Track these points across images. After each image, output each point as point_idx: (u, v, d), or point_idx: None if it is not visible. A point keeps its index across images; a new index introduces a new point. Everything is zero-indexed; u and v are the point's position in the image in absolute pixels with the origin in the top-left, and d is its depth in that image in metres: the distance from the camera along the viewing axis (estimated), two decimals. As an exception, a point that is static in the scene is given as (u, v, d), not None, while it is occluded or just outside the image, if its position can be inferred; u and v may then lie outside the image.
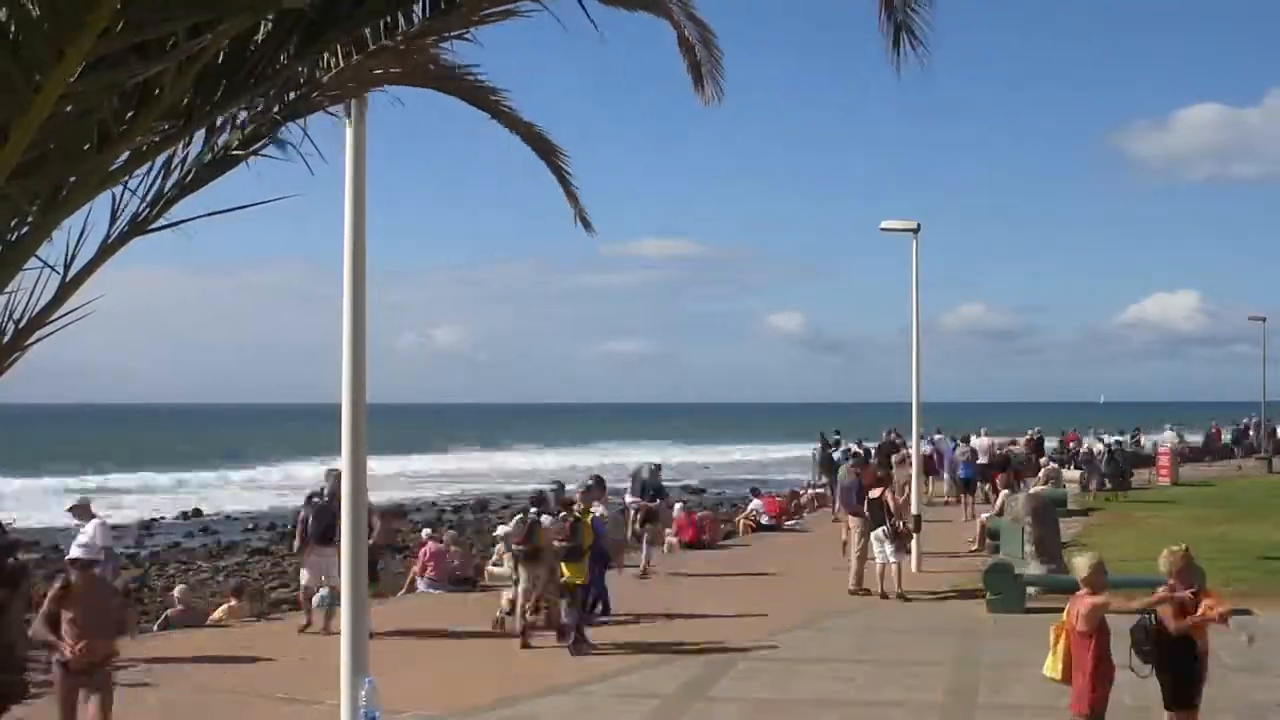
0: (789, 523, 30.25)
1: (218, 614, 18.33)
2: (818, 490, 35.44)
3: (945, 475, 33.67)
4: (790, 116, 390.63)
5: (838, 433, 40.31)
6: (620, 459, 73.11)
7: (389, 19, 5.07)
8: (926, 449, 41.08)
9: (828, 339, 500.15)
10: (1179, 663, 9.55)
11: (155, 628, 18.21)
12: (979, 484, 31.21)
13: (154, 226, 4.89)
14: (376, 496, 18.34)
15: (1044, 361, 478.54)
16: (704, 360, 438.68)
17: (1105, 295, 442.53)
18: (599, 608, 16.85)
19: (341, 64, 5.07)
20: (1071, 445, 43.73)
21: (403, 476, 62.35)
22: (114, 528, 43.90)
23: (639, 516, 22.41)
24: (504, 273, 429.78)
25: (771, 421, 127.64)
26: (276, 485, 60.48)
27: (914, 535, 21.18)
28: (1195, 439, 52.84)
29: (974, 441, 34.89)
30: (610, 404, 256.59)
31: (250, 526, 43.01)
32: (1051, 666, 9.61)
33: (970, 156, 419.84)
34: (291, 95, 5.05)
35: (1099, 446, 40.42)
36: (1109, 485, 35.53)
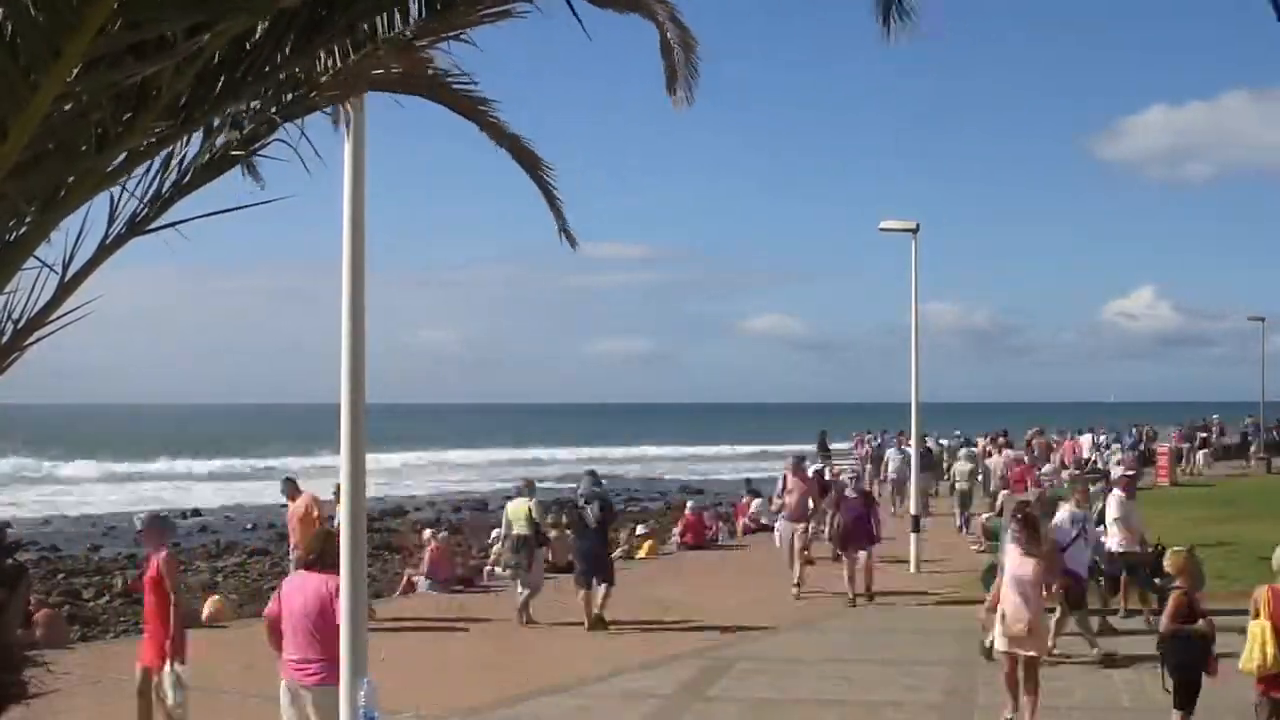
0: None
1: (206, 610, 18.39)
2: None
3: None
4: (756, 117, 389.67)
5: (881, 431, 40.42)
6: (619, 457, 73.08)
7: (386, 17, 5.06)
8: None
9: (809, 340, 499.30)
10: None
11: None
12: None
13: (152, 227, 4.89)
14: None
15: (1034, 363, 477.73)
16: (689, 361, 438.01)
17: (1086, 296, 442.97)
18: None
19: (339, 64, 5.06)
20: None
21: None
22: (112, 527, 44.20)
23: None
24: (475, 274, 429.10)
25: (761, 421, 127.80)
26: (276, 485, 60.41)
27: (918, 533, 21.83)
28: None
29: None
30: (591, 404, 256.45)
31: (249, 526, 43.00)
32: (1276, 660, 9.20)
33: (943, 158, 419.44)
34: (289, 96, 5.04)
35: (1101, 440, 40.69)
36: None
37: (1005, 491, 23.79)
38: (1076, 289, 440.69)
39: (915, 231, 22.53)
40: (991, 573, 17.55)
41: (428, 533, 23.66)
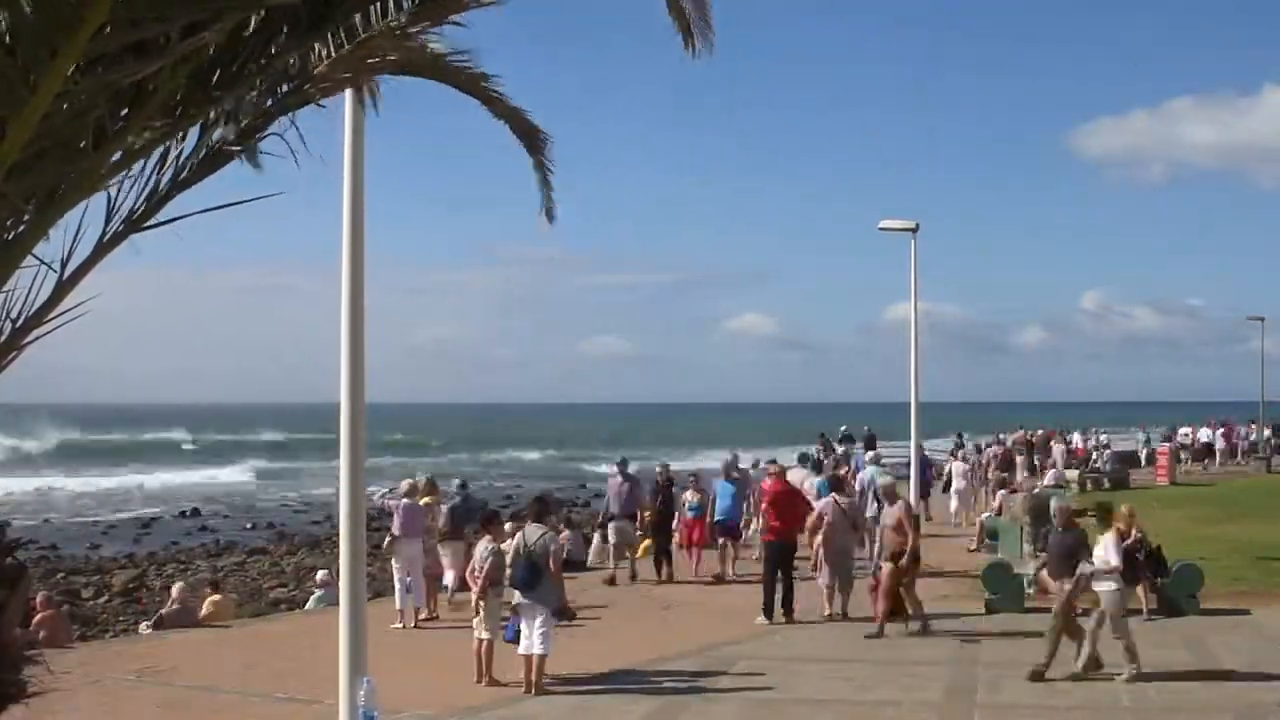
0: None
1: (205, 610, 18.36)
2: None
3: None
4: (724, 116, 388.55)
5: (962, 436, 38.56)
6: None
7: (379, 5, 5.05)
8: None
9: (785, 340, 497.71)
10: None
11: (150, 628, 18.17)
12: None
13: (149, 224, 4.88)
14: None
15: (1010, 362, 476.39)
16: (672, 362, 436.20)
17: (1065, 295, 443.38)
18: None
19: (333, 55, 5.05)
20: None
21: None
22: (112, 526, 44.18)
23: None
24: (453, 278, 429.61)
25: (751, 422, 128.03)
26: (276, 485, 60.45)
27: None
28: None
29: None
30: (579, 404, 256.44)
31: (249, 526, 43.02)
32: None
33: (925, 157, 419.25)
34: (284, 88, 5.03)
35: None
36: (1108, 485, 35.61)
37: (1003, 491, 23.80)
38: (1050, 288, 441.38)
39: (915, 231, 22.53)
40: (991, 571, 17.56)
41: None
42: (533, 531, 12.92)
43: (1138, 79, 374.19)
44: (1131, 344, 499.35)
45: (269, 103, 4.98)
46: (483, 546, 13.06)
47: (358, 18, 4.96)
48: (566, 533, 20.76)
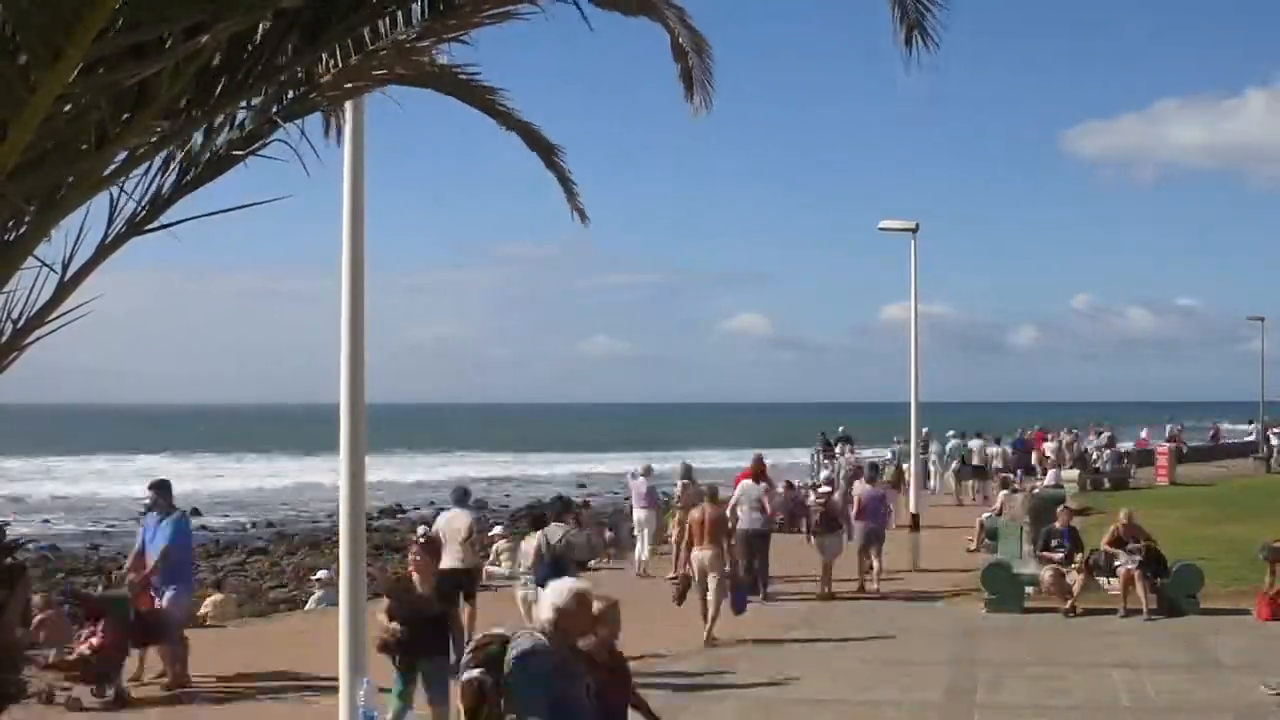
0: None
1: (205, 609, 18.35)
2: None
3: None
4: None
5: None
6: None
7: (388, 19, 5.05)
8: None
9: (782, 341, 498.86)
10: None
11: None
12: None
13: (151, 227, 4.88)
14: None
15: (1006, 362, 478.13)
16: (668, 363, 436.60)
17: (1060, 296, 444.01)
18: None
19: (340, 64, 5.05)
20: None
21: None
22: (111, 526, 44.21)
23: None
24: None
25: (746, 423, 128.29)
26: (277, 484, 60.43)
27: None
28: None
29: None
30: (575, 405, 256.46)
31: (249, 526, 43.00)
32: None
33: (920, 158, 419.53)
34: (290, 95, 5.03)
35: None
36: (1107, 485, 35.65)
37: (1005, 492, 23.79)
38: (1046, 289, 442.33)
39: (915, 231, 22.52)
40: (991, 571, 17.58)
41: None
42: (555, 530, 12.95)
43: (1132, 80, 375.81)
44: (1127, 344, 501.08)
45: (274, 109, 4.98)
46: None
47: (366, 30, 4.96)
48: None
